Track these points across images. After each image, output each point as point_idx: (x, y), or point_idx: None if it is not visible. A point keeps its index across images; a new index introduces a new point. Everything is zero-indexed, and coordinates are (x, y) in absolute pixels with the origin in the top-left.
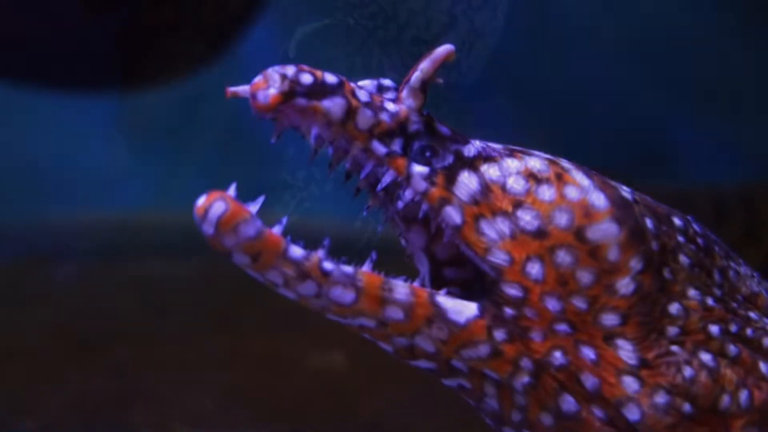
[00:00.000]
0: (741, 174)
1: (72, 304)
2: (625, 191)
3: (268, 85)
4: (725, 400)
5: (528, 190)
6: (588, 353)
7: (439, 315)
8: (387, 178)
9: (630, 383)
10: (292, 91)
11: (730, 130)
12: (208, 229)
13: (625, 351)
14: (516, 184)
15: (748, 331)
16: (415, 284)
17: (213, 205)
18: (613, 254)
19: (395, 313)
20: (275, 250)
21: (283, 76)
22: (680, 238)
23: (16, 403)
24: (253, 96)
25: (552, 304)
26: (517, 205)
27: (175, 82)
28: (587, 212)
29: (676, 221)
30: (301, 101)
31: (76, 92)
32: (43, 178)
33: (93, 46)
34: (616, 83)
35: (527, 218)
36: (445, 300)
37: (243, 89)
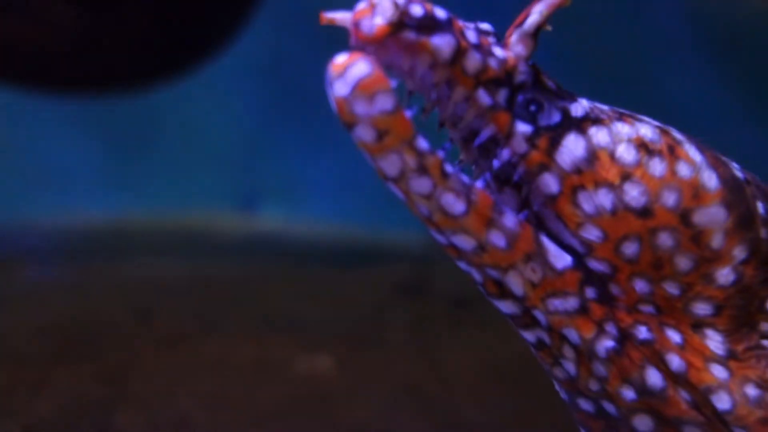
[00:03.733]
0: None
1: (58, 307)
2: (737, 169)
3: (374, 12)
4: None
5: (639, 161)
6: (673, 336)
7: (539, 254)
8: (486, 133)
9: (718, 371)
10: (401, 23)
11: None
12: (343, 88)
13: (713, 341)
14: (627, 153)
15: None
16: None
17: (356, 64)
18: (717, 241)
19: (498, 239)
20: (405, 134)
21: (395, 4)
22: None
23: None
24: (356, 24)
25: (640, 286)
26: (625, 177)
27: (163, 86)
28: (697, 193)
29: None
30: (411, 35)
31: (67, 94)
32: (27, 179)
33: (80, 50)
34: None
35: (634, 193)
36: (548, 241)
37: (342, 16)
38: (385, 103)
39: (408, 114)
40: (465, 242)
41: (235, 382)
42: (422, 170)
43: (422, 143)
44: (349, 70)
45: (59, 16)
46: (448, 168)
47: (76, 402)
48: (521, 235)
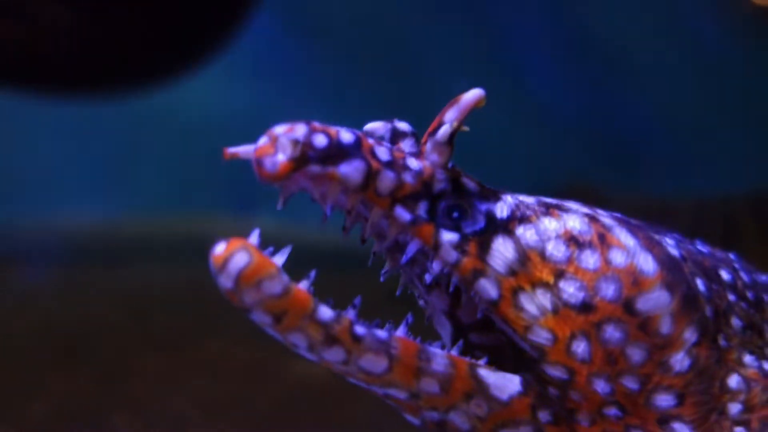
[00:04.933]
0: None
1: (55, 309)
2: (671, 246)
3: (276, 150)
4: None
5: (569, 257)
6: None
7: (480, 390)
8: (412, 248)
9: None
10: (304, 157)
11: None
12: (227, 282)
13: None
14: (556, 250)
15: None
16: (453, 352)
17: (234, 256)
18: (665, 326)
19: (430, 386)
20: (302, 311)
21: (294, 141)
22: (731, 297)
23: None
24: (259, 162)
25: (600, 386)
26: (559, 275)
27: (160, 87)
28: (636, 279)
29: (724, 275)
30: (315, 168)
31: (62, 96)
32: (24, 182)
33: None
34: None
35: (570, 290)
36: (487, 373)
37: (245, 150)
38: (272, 287)
39: (303, 286)
40: (397, 393)
41: (232, 384)
42: (331, 341)
43: (324, 314)
44: (229, 263)
45: (53, 18)
46: (359, 330)
47: (74, 404)
48: (455, 376)
